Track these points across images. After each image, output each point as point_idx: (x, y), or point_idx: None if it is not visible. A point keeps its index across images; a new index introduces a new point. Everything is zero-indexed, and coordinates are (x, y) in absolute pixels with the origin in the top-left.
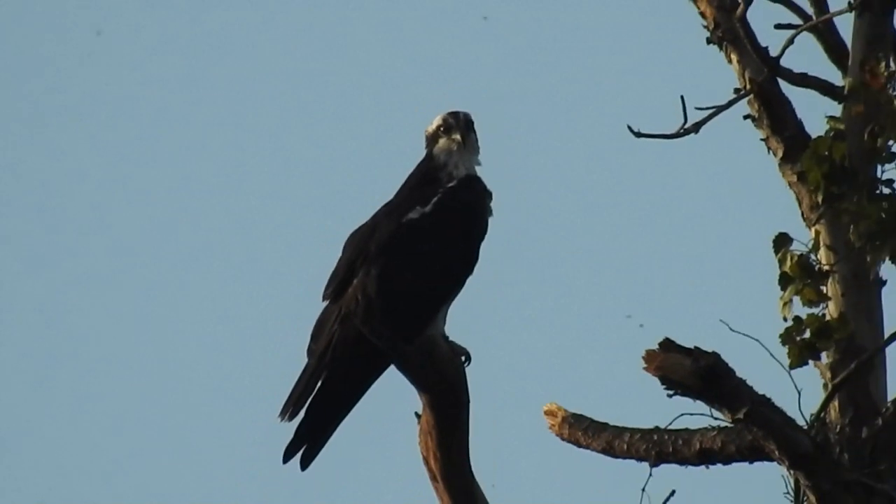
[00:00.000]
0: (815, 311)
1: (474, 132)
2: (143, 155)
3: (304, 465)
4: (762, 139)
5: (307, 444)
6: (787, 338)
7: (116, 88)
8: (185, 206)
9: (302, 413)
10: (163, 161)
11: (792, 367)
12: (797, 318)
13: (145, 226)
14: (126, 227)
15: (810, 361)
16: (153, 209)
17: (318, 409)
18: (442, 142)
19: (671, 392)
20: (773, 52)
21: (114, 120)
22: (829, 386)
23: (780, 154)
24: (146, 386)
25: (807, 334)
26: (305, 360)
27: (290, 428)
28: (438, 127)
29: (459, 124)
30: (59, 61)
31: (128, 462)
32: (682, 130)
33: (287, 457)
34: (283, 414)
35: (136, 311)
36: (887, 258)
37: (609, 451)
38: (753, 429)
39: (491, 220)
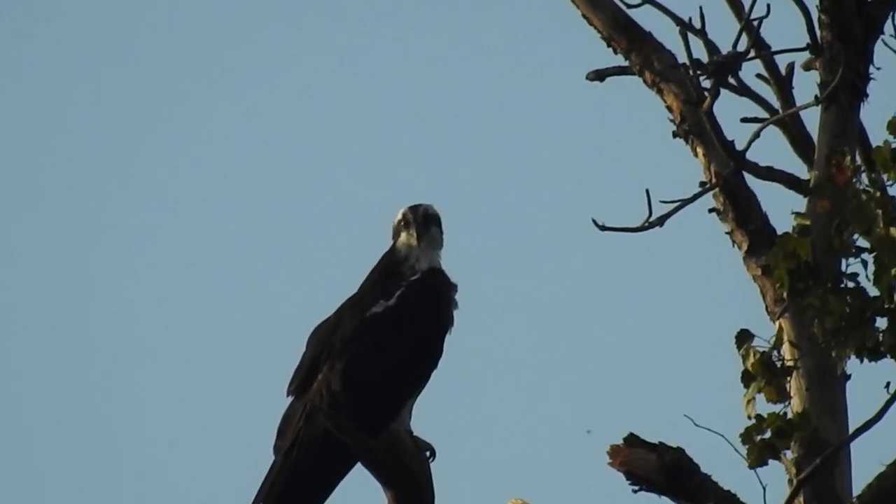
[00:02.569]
0: (777, 408)
1: (437, 226)
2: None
3: None
4: (727, 232)
5: None
6: (746, 438)
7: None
8: (147, 302)
9: None
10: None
11: (751, 466)
12: (758, 417)
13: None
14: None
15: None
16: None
17: None
18: (403, 235)
19: (636, 487)
20: (740, 146)
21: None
22: (794, 481)
23: (744, 247)
24: (118, 486)
25: (767, 434)
26: (272, 457)
27: None
28: (399, 221)
29: (417, 220)
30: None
31: None
32: (646, 224)
33: None
34: None
35: (98, 413)
36: (852, 354)
37: None
38: None
39: (457, 313)
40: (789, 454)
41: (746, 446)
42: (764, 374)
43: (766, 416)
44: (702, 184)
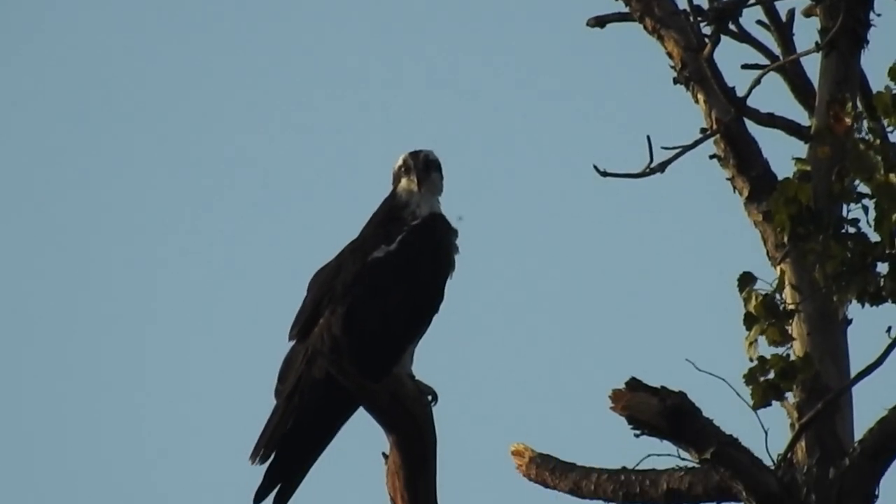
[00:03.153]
0: (779, 350)
1: (437, 171)
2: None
3: None
4: (728, 179)
5: (280, 485)
6: (750, 378)
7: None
8: (150, 248)
9: (272, 455)
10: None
11: (755, 407)
12: (761, 359)
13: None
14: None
15: (776, 402)
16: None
17: (289, 450)
18: (404, 181)
19: (638, 432)
20: (740, 92)
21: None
22: (796, 426)
23: (745, 193)
24: (116, 431)
25: (770, 375)
26: (273, 401)
27: (261, 470)
28: (400, 167)
29: (418, 165)
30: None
31: None
32: (648, 170)
33: (258, 499)
34: (253, 456)
35: (102, 355)
36: (853, 299)
37: (576, 491)
38: (720, 469)
39: (458, 258)
40: (791, 398)
41: (750, 387)
42: (766, 315)
43: (769, 357)
44: (702, 130)
